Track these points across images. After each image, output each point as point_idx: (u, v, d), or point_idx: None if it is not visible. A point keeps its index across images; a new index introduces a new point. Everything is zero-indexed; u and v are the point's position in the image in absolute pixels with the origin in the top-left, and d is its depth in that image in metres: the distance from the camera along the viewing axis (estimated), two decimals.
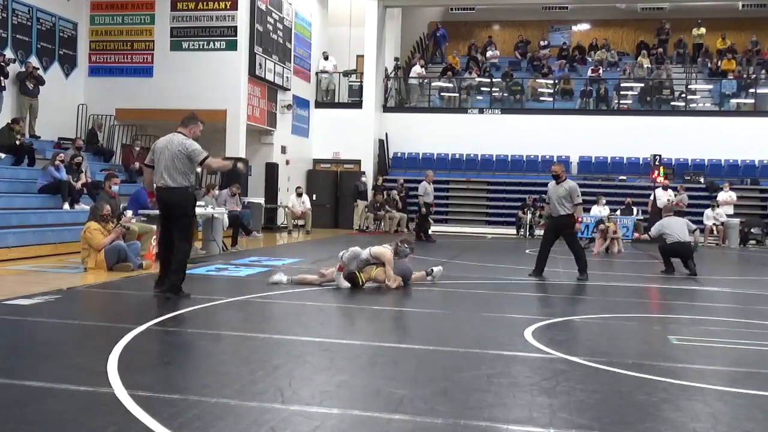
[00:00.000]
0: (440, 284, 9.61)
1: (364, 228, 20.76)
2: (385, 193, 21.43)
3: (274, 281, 8.78)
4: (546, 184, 11.41)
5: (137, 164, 16.64)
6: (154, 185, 7.57)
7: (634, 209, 20.51)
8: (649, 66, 25.77)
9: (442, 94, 25.66)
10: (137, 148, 16.93)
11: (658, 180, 21.00)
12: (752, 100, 23.88)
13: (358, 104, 23.69)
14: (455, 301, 8.54)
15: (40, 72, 16.40)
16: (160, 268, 7.71)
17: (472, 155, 23.83)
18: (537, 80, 25.44)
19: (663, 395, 4.37)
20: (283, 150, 21.24)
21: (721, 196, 20.58)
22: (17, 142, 14.21)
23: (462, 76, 25.94)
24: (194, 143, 7.53)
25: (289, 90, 21.15)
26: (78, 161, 14.12)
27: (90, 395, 4.00)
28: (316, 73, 23.67)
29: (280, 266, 10.52)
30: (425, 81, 25.74)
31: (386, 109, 24.69)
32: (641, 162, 22.90)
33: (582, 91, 24.64)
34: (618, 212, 20.54)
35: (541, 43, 28.68)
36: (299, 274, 9.14)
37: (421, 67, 25.92)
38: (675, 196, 20.24)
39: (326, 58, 24.01)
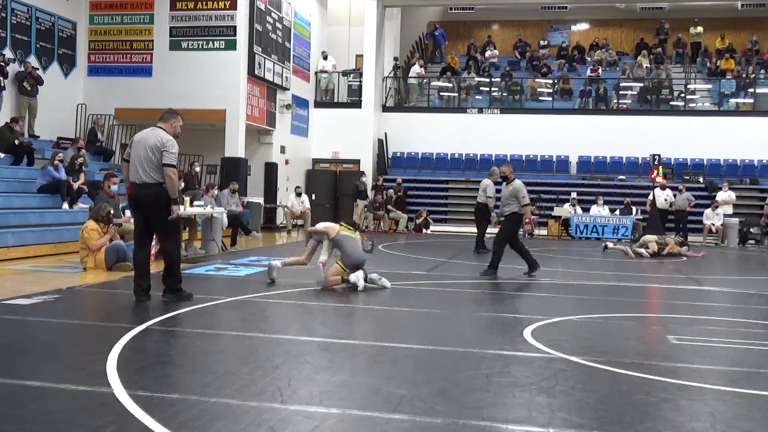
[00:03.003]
0: (439, 284, 9.62)
1: (363, 228, 20.77)
2: (384, 192, 21.46)
3: (271, 271, 8.94)
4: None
5: None
6: (130, 181, 7.14)
7: (633, 209, 20.53)
8: (649, 66, 25.78)
9: (441, 93, 25.67)
10: None
11: (657, 180, 21.01)
12: (751, 100, 23.89)
13: (357, 104, 23.69)
14: (454, 301, 8.54)
15: (39, 72, 16.39)
16: (135, 275, 7.25)
17: (471, 155, 23.85)
18: (536, 80, 25.45)
19: (662, 395, 4.37)
20: (283, 150, 21.24)
21: (721, 195, 20.58)
22: (16, 142, 14.21)
23: (461, 75, 25.95)
24: (173, 144, 7.08)
25: (289, 90, 21.14)
26: (80, 161, 14.11)
27: (89, 395, 4.00)
28: (316, 73, 23.66)
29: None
30: (424, 81, 25.75)
31: (385, 108, 24.70)
32: (640, 162, 22.92)
33: (581, 91, 24.66)
34: (617, 212, 20.57)
35: (541, 42, 28.70)
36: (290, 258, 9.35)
37: (421, 66, 25.93)
38: (676, 196, 20.26)
39: (325, 58, 24.00)
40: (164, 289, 7.26)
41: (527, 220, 10.83)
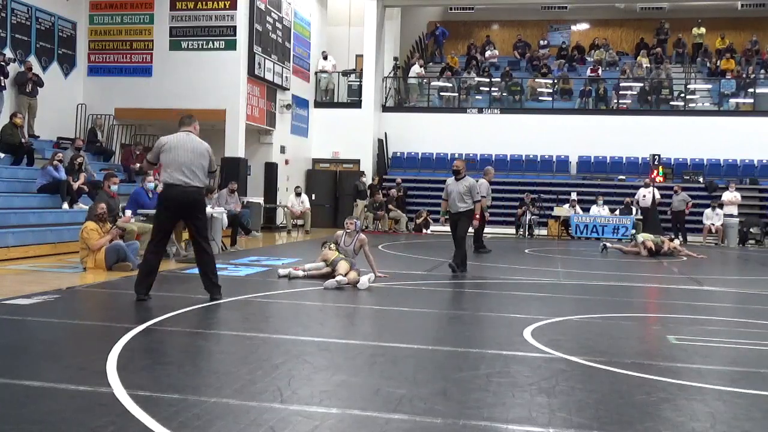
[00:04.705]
0: (439, 284, 9.62)
1: (363, 228, 20.74)
2: (383, 192, 21.45)
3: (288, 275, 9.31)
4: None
5: (137, 165, 16.61)
6: (165, 182, 7.17)
7: (633, 209, 20.53)
8: (649, 66, 25.78)
9: (441, 93, 25.66)
10: (137, 152, 16.90)
11: (656, 180, 21.00)
12: (751, 100, 23.89)
13: (357, 104, 23.69)
14: (455, 301, 8.53)
15: (40, 72, 16.39)
16: (143, 272, 7.24)
17: (471, 155, 23.80)
18: (536, 80, 25.45)
19: (662, 395, 4.37)
20: (283, 150, 21.24)
21: (726, 195, 20.52)
22: (19, 143, 14.22)
23: (461, 75, 25.95)
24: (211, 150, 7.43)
25: (289, 90, 21.14)
26: (80, 162, 14.11)
27: (89, 395, 4.00)
28: (316, 73, 23.66)
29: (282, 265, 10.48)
30: (424, 81, 25.75)
31: (385, 108, 24.70)
32: (640, 162, 22.91)
33: (581, 91, 24.66)
34: (617, 212, 20.58)
35: (541, 42, 28.70)
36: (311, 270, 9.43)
37: (420, 66, 25.93)
38: (672, 197, 20.26)
39: (325, 58, 24.01)
40: (213, 289, 7.35)
41: (476, 216, 10.76)
